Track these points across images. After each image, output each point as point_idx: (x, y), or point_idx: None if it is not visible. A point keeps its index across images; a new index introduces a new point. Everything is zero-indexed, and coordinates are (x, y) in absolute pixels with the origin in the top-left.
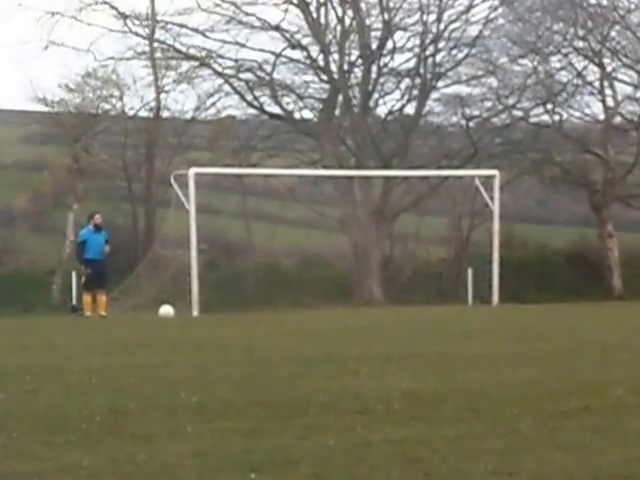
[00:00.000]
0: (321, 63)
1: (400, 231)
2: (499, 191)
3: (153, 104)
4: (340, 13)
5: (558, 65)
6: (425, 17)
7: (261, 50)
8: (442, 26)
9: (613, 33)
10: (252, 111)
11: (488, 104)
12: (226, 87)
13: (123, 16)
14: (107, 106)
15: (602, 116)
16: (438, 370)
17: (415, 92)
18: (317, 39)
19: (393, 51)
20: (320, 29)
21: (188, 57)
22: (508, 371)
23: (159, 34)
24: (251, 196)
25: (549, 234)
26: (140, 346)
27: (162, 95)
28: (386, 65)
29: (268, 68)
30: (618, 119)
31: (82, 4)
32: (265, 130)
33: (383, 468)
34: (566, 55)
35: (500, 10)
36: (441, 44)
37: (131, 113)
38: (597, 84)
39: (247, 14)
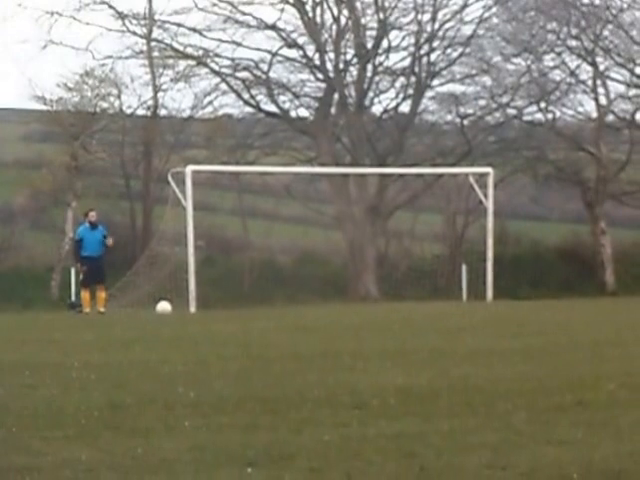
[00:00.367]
0: (317, 62)
1: (395, 228)
2: (493, 188)
3: (151, 102)
4: (336, 12)
5: (551, 64)
6: (420, 16)
7: (257, 49)
8: (437, 25)
9: (606, 32)
10: (249, 109)
11: (482, 102)
12: (223, 86)
13: (121, 16)
14: (105, 104)
15: (595, 114)
16: (433, 365)
17: (410, 91)
18: (313, 38)
19: (388, 50)
20: (316, 28)
21: (185, 56)
22: (502, 366)
23: (157, 33)
24: (248, 193)
25: (542, 231)
26: (138, 342)
27: (159, 94)
28: (381, 64)
29: (264, 67)
30: (611, 117)
31: (81, 4)
32: (261, 128)
33: (378, 462)
34: (559, 54)
35: (494, 9)
36: (436, 43)
37: (129, 111)
38: (590, 83)
39: (244, 13)
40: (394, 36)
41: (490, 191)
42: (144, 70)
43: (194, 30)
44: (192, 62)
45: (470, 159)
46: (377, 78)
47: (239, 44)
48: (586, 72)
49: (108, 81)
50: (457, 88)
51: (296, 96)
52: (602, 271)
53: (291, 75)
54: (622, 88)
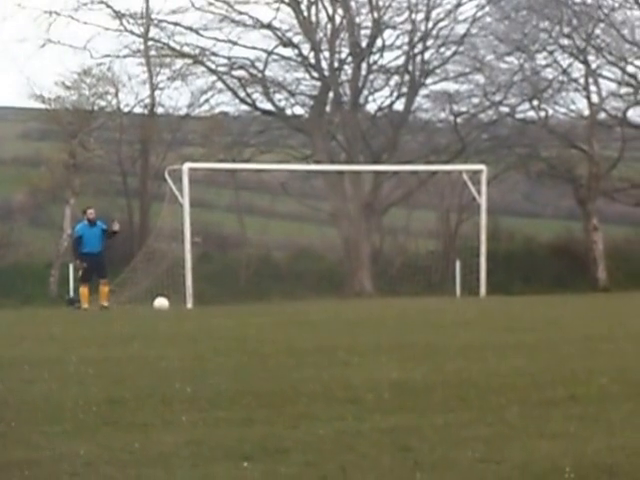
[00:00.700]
0: (312, 61)
1: (390, 224)
2: (486, 185)
3: (148, 101)
4: (330, 12)
5: (544, 62)
6: (414, 15)
7: (253, 48)
8: (430, 24)
9: (598, 31)
10: (245, 107)
11: (475, 100)
12: (219, 84)
13: (119, 15)
14: (103, 103)
15: (587, 112)
16: (427, 360)
17: (404, 89)
18: (308, 37)
19: (382, 49)
20: (311, 27)
21: (182, 55)
22: (495, 361)
23: (154, 32)
24: (244, 190)
25: (535, 227)
26: (135, 338)
27: (156, 92)
28: (376, 62)
29: (260, 65)
30: (603, 115)
31: (79, 3)
32: (257, 126)
33: (373, 456)
34: (552, 52)
35: (487, 9)
36: (429, 42)
37: (126, 110)
38: (582, 81)
39: (240, 13)
40: (388, 35)
41: (483, 188)
42: (141, 69)
43: (191, 29)
44: (189, 61)
45: (463, 156)
46: (371, 76)
47: (235, 43)
48: (578, 70)
49: (106, 80)
50: (451, 86)
51: (291, 94)
52: (594, 267)
53: (286, 74)
54: (614, 86)
